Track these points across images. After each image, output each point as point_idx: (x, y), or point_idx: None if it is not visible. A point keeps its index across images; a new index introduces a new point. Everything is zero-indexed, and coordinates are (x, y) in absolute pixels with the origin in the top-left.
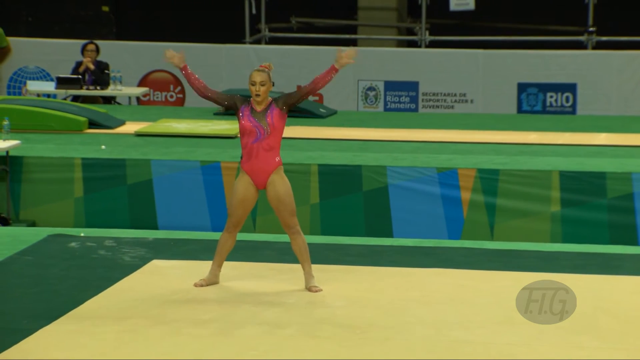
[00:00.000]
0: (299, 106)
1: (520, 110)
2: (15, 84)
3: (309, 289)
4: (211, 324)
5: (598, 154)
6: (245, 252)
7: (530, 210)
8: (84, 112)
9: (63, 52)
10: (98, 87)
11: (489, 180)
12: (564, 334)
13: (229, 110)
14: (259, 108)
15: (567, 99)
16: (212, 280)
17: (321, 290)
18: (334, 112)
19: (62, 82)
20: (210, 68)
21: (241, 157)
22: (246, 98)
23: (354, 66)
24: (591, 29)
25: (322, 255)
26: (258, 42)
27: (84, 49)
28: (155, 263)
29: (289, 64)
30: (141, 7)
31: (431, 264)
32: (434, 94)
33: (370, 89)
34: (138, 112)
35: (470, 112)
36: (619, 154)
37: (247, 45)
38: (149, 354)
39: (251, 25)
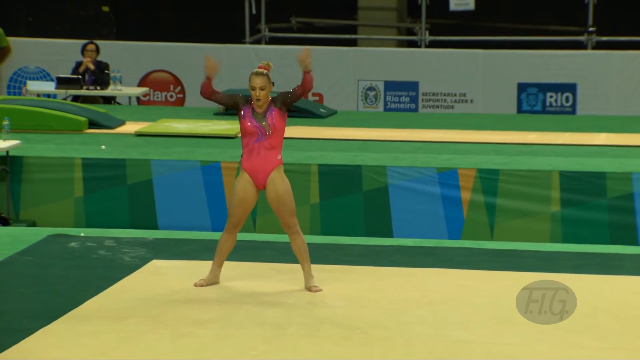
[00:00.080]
0: (299, 106)
1: (520, 110)
2: (15, 84)
3: (308, 289)
4: (211, 324)
5: (598, 154)
6: (245, 252)
7: (530, 210)
8: (84, 112)
9: (63, 52)
10: (98, 87)
11: (489, 180)
12: (564, 334)
13: (230, 109)
14: (259, 109)
15: (567, 99)
16: (212, 281)
17: (321, 290)
18: (334, 112)
19: (62, 82)
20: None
21: (242, 156)
22: (248, 98)
23: (354, 66)
24: (591, 29)
25: (322, 255)
26: (258, 42)
27: (84, 49)
28: (155, 263)
29: (289, 64)
30: (141, 7)
31: (431, 264)
32: (434, 94)
33: (370, 89)
34: (138, 112)
35: (470, 112)
36: (619, 154)
37: (247, 45)
38: (149, 354)
39: (251, 25)
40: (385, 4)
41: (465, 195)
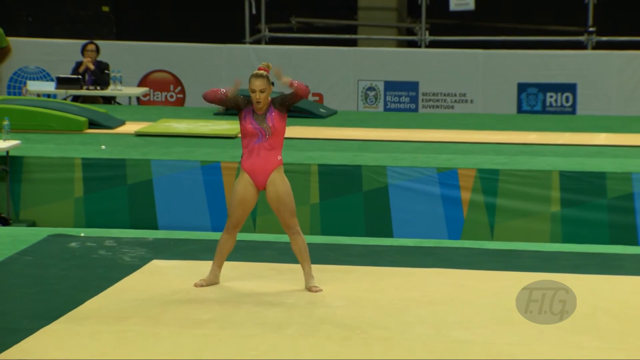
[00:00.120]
0: (299, 106)
1: (520, 110)
2: (16, 84)
3: (309, 289)
4: (211, 324)
5: (598, 154)
6: (245, 252)
7: (530, 210)
8: (84, 112)
9: (63, 52)
10: (98, 87)
11: (489, 180)
12: (564, 334)
13: (231, 110)
14: (260, 111)
15: (567, 99)
16: (212, 281)
17: (321, 290)
18: (334, 112)
19: (62, 82)
20: (210, 68)
21: (242, 156)
22: (248, 100)
23: (354, 66)
24: (591, 29)
25: (322, 255)
26: (258, 42)
27: (84, 49)
28: (155, 263)
29: (289, 64)
30: (141, 7)
31: (431, 264)
32: (434, 94)
33: (370, 89)
34: (138, 112)
35: (470, 112)
36: (619, 154)
37: (247, 45)
38: (149, 354)
39: (251, 25)
40: (385, 4)
41: (465, 195)
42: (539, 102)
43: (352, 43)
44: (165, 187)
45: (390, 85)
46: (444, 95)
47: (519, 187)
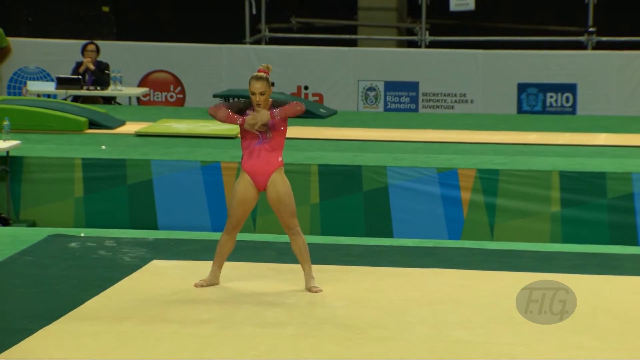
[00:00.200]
0: None
1: (520, 110)
2: (16, 84)
3: (309, 289)
4: (211, 324)
5: (598, 154)
6: (245, 252)
7: (530, 210)
8: (84, 113)
9: (63, 52)
10: (98, 88)
11: (489, 180)
12: (564, 334)
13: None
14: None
15: (567, 99)
16: (212, 281)
17: (321, 290)
18: (334, 112)
19: (62, 83)
20: (210, 68)
21: (242, 157)
22: (249, 102)
23: (354, 66)
24: (591, 29)
25: (322, 256)
26: (258, 42)
27: (84, 49)
28: (155, 263)
29: (289, 64)
30: (141, 7)
31: (431, 264)
32: (434, 94)
33: (370, 89)
34: (138, 112)
35: (470, 112)
36: (619, 154)
37: (247, 46)
38: (149, 354)
39: (251, 25)
40: (385, 4)
41: (465, 196)
42: (539, 102)
43: (352, 43)
44: (165, 187)
45: (390, 86)
46: (444, 95)
47: (519, 187)
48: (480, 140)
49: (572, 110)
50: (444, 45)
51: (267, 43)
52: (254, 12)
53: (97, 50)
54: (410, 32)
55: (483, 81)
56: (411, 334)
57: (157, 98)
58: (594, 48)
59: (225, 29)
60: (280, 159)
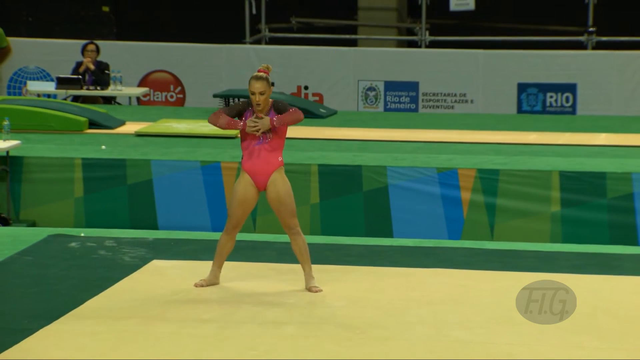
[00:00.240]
0: (299, 106)
1: (520, 110)
2: (16, 84)
3: (309, 289)
4: (211, 324)
5: (598, 154)
6: (245, 252)
7: (530, 210)
8: (84, 112)
9: (63, 52)
10: (98, 88)
11: (489, 180)
12: (564, 334)
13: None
14: (260, 113)
15: (567, 99)
16: (212, 281)
17: (321, 290)
18: (334, 112)
19: (62, 82)
20: (210, 68)
21: (242, 157)
22: (248, 102)
23: (354, 66)
24: (591, 29)
25: (322, 256)
26: (258, 42)
27: (84, 49)
28: (155, 263)
29: (289, 64)
30: (141, 7)
31: (431, 264)
32: (434, 94)
33: (370, 89)
34: (138, 112)
35: (470, 112)
36: (619, 154)
37: (247, 46)
38: (149, 354)
39: (251, 25)
40: (385, 4)
41: (465, 195)
42: (539, 102)
43: (352, 43)
44: (165, 187)
45: (390, 86)
46: (444, 95)
47: (519, 187)
48: (480, 140)
49: (572, 110)
50: (444, 45)
51: (267, 43)
52: (254, 12)
53: (97, 50)
54: (410, 32)
55: (483, 81)
56: (411, 334)
57: (157, 98)
58: (594, 48)
59: (225, 29)
60: (280, 158)
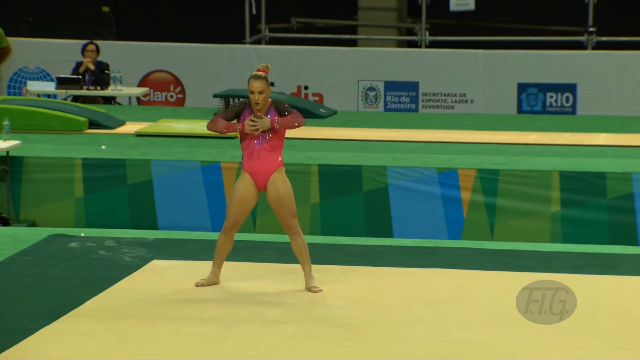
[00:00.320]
0: (299, 106)
1: (520, 110)
2: (16, 84)
3: (309, 289)
4: (211, 324)
5: (598, 154)
6: (245, 252)
7: (530, 210)
8: (84, 113)
9: (63, 52)
10: (98, 88)
11: (489, 180)
12: (564, 334)
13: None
14: (259, 113)
15: (567, 99)
16: (212, 281)
17: (321, 290)
18: (334, 112)
19: (62, 83)
20: (210, 68)
21: (242, 157)
22: (247, 102)
23: (354, 66)
24: (591, 29)
25: (322, 256)
26: (258, 42)
27: (84, 49)
28: (155, 263)
29: (289, 64)
30: (141, 7)
31: (431, 264)
32: (434, 94)
33: (370, 89)
34: (138, 112)
35: (470, 112)
36: (619, 154)
37: (247, 46)
38: (149, 354)
39: (251, 25)
40: (385, 4)
41: (465, 196)
42: (539, 102)
43: (352, 43)
44: (165, 187)
45: (390, 86)
46: (444, 95)
47: (519, 187)
48: (480, 140)
49: (572, 110)
50: (444, 45)
51: (267, 43)
52: (254, 12)
53: (97, 50)
54: (410, 32)
55: (483, 81)
56: (411, 334)
57: (157, 98)
58: (594, 48)
59: (225, 29)
60: (280, 158)
